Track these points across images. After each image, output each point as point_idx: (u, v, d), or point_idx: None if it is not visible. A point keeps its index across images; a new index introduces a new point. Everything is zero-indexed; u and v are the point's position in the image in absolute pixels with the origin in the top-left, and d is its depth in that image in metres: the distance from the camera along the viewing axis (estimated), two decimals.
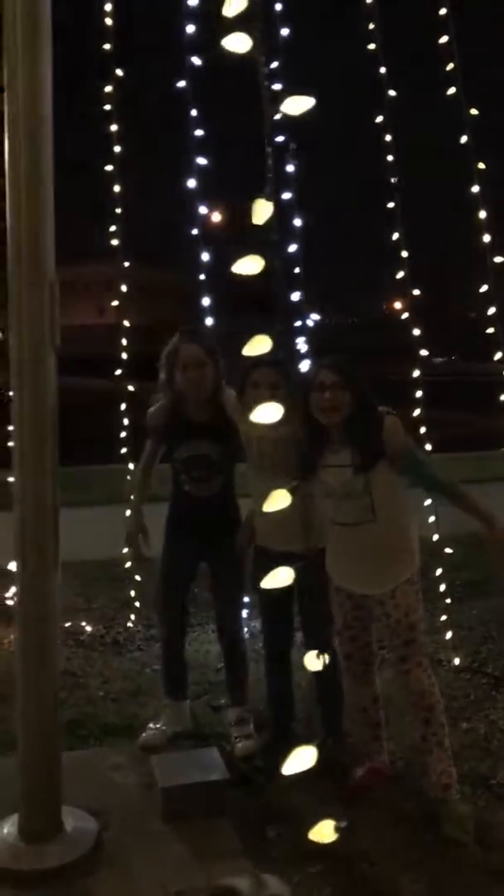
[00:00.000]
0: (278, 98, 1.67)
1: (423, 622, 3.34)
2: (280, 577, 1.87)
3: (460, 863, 2.94)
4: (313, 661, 2.10)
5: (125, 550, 4.12)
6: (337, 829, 1.45)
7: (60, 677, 4.53)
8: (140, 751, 3.64)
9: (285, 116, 1.66)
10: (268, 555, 3.59)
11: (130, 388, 5.27)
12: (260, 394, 3.45)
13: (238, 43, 1.59)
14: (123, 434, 5.32)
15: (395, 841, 3.09)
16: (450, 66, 4.28)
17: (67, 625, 5.36)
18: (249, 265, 1.56)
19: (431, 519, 4.75)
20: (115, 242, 5.19)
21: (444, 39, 4.36)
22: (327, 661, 3.46)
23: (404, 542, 3.35)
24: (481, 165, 4.28)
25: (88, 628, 5.34)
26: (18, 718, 2.98)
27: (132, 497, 4.03)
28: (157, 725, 3.79)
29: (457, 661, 4.66)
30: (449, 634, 4.81)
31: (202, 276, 4.71)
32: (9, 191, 2.86)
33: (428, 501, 4.68)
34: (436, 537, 4.81)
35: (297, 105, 1.65)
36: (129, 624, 5.37)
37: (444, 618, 4.87)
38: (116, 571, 6.02)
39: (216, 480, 3.74)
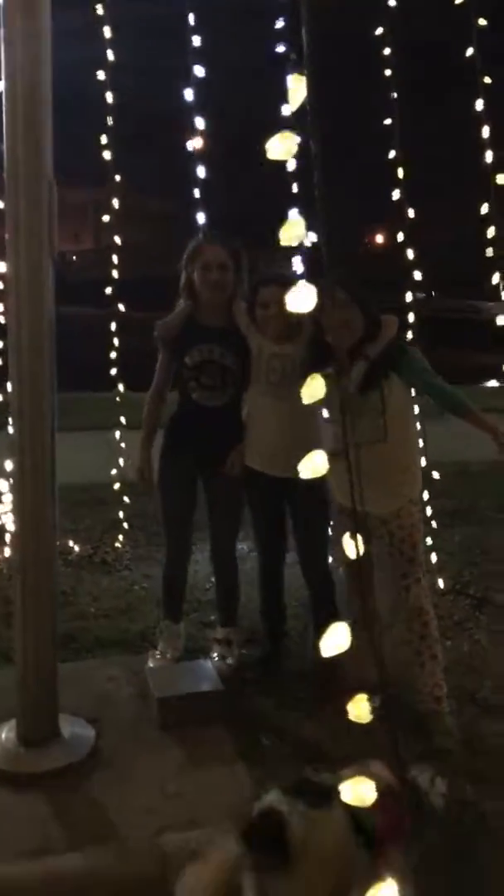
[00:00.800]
0: None
1: (423, 542, 3.39)
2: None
3: (450, 769, 3.04)
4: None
5: (131, 475, 3.95)
6: (372, 709, 1.47)
7: None
8: None
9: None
10: (264, 479, 3.60)
11: (119, 313, 5.19)
12: (269, 311, 3.41)
13: None
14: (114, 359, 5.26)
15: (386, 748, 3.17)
16: None
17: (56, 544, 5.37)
18: (281, 146, 1.48)
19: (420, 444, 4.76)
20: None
21: None
22: (322, 581, 3.56)
23: (411, 462, 3.38)
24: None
25: (76, 548, 5.35)
26: (18, 631, 3.00)
27: (143, 426, 3.80)
28: (159, 652, 3.79)
29: (441, 583, 4.75)
30: (434, 558, 4.88)
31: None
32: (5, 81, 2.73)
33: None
34: (423, 462, 4.83)
35: None
36: (117, 545, 5.39)
37: (429, 541, 4.94)
38: (101, 495, 6.06)
39: (227, 392, 3.60)
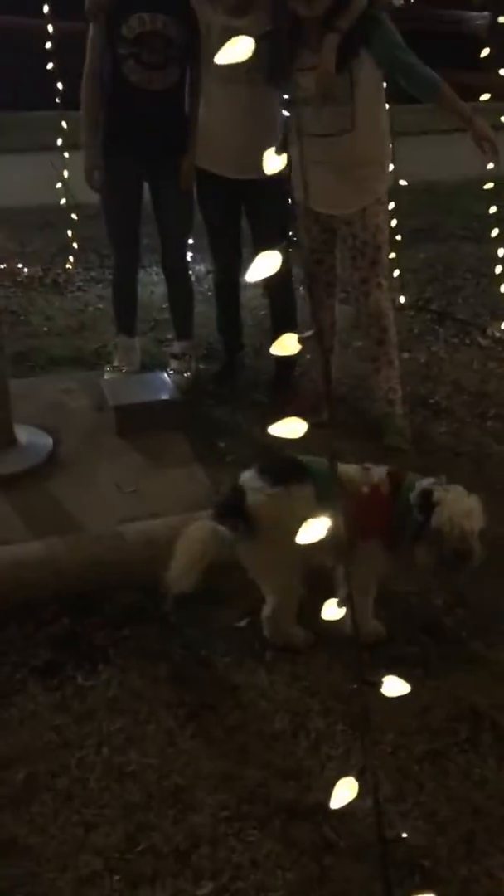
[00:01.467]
0: None
1: (388, 244, 3.24)
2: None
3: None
4: None
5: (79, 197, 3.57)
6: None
7: None
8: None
9: None
10: (218, 181, 3.33)
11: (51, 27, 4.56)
12: None
13: None
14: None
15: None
16: None
17: (2, 266, 5.15)
18: None
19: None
20: None
21: None
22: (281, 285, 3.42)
23: (379, 154, 3.14)
24: None
25: (25, 270, 5.12)
26: None
27: (83, 115, 3.32)
28: (114, 365, 3.72)
29: (402, 299, 4.66)
30: (396, 273, 4.76)
31: None
32: None
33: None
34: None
35: None
36: (68, 266, 5.16)
37: (392, 255, 4.79)
38: (49, 218, 5.74)
39: (172, 71, 3.18)
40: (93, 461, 3.06)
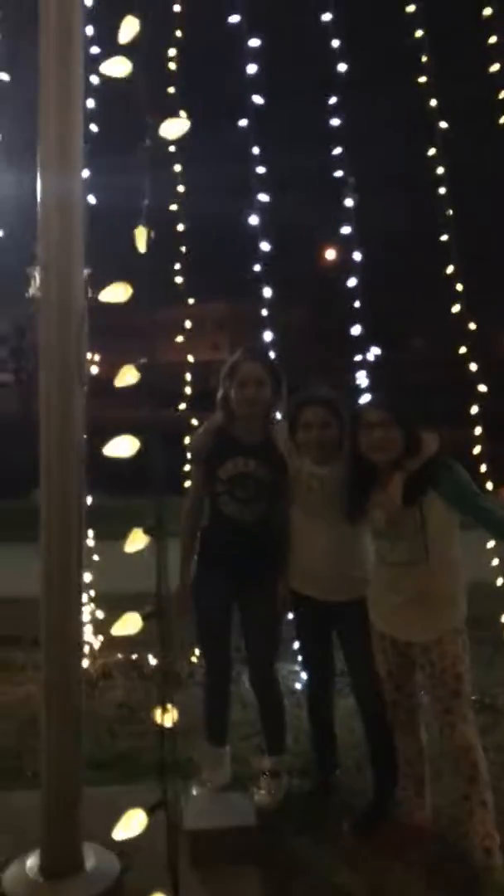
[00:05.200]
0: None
1: (469, 673, 3.16)
2: None
3: None
4: None
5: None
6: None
7: (114, 709, 4.60)
8: None
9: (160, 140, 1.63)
10: (310, 602, 3.51)
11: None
12: (311, 433, 3.40)
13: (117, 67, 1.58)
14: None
15: None
16: None
17: (134, 657, 5.38)
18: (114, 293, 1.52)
19: (496, 562, 4.52)
20: None
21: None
22: (377, 710, 3.37)
23: (454, 585, 3.20)
24: None
25: (153, 661, 5.33)
26: (42, 754, 2.99)
27: (181, 545, 3.62)
28: (204, 780, 3.63)
29: None
30: None
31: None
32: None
33: (491, 543, 4.46)
34: (501, 581, 4.56)
35: (173, 129, 1.61)
36: (193, 658, 5.32)
37: None
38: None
39: (261, 505, 3.52)
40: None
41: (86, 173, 2.98)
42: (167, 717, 2.54)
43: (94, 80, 4.08)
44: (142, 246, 1.58)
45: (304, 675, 4.19)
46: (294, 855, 3.17)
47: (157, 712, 2.50)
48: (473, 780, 3.02)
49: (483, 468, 4.27)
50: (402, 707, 3.31)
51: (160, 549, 2.50)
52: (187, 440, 5.17)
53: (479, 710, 4.29)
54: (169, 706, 2.39)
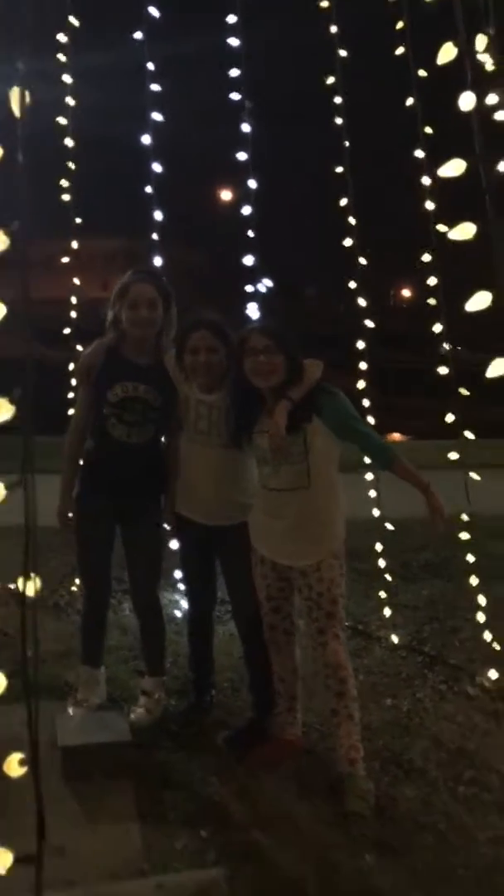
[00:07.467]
0: None
1: (344, 598, 3.28)
2: None
3: (353, 834, 2.89)
4: None
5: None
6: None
7: None
8: None
9: None
10: (194, 526, 3.53)
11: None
12: (198, 357, 3.36)
13: None
14: None
15: (294, 811, 3.03)
16: None
17: (12, 586, 5.31)
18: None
19: (373, 494, 4.68)
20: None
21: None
22: (256, 632, 3.46)
23: (334, 511, 3.28)
24: None
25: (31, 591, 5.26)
26: None
27: (64, 465, 3.61)
28: (79, 701, 3.64)
29: (395, 639, 4.59)
30: (387, 612, 4.75)
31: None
32: None
33: (369, 476, 4.61)
34: (376, 513, 4.73)
35: None
36: (73, 588, 5.31)
37: (383, 595, 4.82)
38: (71, 538, 6.00)
39: (149, 428, 3.49)
40: (30, 807, 2.88)
41: None
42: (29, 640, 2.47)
43: None
44: (17, 110, 1.49)
45: (184, 604, 4.26)
46: (167, 769, 3.25)
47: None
48: (342, 695, 3.16)
49: (371, 420, 4.33)
50: (279, 629, 3.41)
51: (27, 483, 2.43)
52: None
53: (352, 636, 4.52)
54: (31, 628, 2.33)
